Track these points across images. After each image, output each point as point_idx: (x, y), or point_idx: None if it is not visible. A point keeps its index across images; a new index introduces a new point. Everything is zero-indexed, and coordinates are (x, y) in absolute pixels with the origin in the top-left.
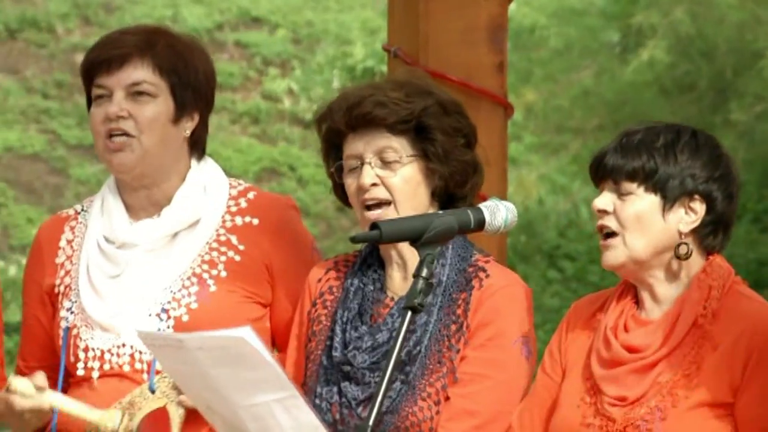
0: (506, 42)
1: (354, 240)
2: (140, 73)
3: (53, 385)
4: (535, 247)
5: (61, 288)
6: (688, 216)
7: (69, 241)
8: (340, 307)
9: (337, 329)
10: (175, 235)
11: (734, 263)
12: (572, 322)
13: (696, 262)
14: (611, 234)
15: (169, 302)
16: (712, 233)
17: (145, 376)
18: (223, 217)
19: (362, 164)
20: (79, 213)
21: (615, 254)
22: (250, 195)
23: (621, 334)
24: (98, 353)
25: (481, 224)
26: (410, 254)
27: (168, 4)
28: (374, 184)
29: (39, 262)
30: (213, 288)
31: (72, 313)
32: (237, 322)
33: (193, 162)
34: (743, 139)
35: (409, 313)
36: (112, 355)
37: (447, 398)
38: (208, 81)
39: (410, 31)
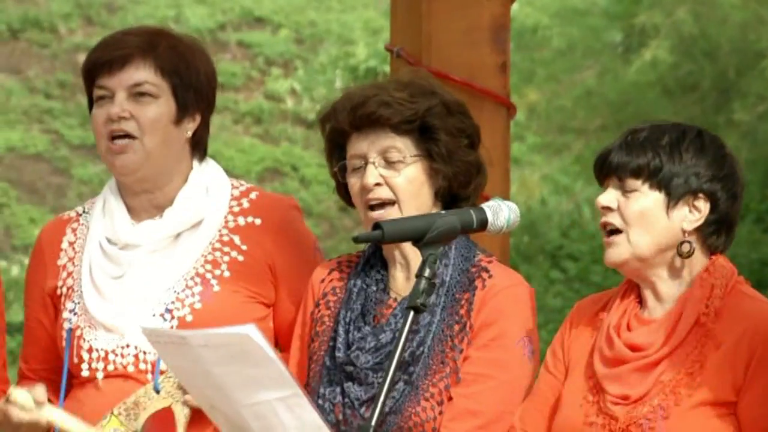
0: (509, 42)
1: (357, 240)
2: (142, 73)
3: (57, 387)
4: (538, 247)
5: (64, 290)
6: (692, 214)
7: (71, 243)
8: (343, 307)
9: (340, 330)
10: (178, 235)
11: (737, 263)
12: (575, 321)
13: (699, 261)
14: (615, 231)
15: (172, 302)
16: (715, 233)
17: (149, 376)
18: (225, 217)
19: (366, 164)
20: (80, 215)
21: (618, 251)
22: (253, 195)
23: (624, 333)
24: (102, 354)
25: (483, 224)
26: (413, 254)
27: (171, 4)
28: (378, 184)
29: (41, 265)
30: (216, 288)
31: (75, 314)
32: (241, 322)
33: (195, 163)
34: (746, 139)
35: (412, 314)
36: (116, 355)
37: (450, 398)
38: (209, 82)
39: (413, 31)
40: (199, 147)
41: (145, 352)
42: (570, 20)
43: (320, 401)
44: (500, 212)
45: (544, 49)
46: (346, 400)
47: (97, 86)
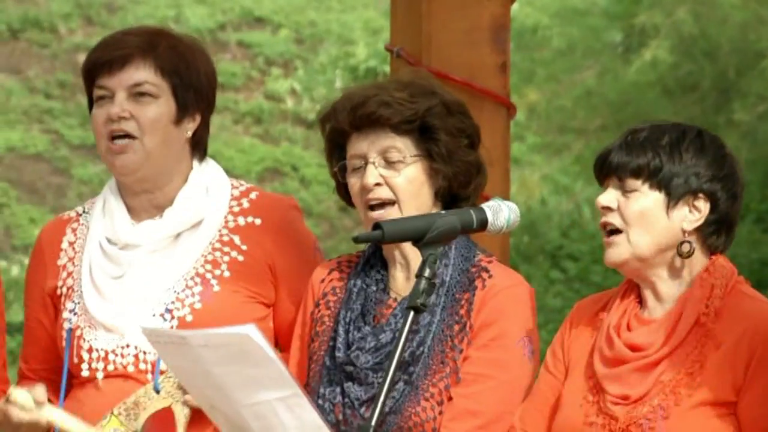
0: (509, 42)
1: (357, 240)
2: (142, 73)
3: (57, 387)
4: (538, 247)
5: (64, 289)
6: (692, 214)
7: (71, 243)
8: (343, 307)
9: (340, 330)
10: (178, 235)
11: (737, 263)
12: (575, 321)
13: (699, 261)
14: (615, 231)
15: (172, 302)
16: (715, 233)
17: (149, 376)
18: (225, 217)
19: (366, 164)
20: (80, 215)
21: (618, 251)
22: (253, 195)
23: (624, 333)
24: (102, 354)
25: (483, 224)
26: (413, 254)
27: (171, 4)
28: (378, 184)
29: (41, 265)
30: (217, 288)
31: (75, 314)
32: (241, 322)
33: (195, 163)
34: (746, 139)
35: (412, 314)
36: (117, 355)
37: (450, 398)
38: (209, 82)
39: (413, 31)
40: (199, 147)
41: (145, 352)
42: (570, 20)
43: (320, 401)
44: (500, 212)
45: (544, 49)
46: (346, 400)
47: (97, 86)
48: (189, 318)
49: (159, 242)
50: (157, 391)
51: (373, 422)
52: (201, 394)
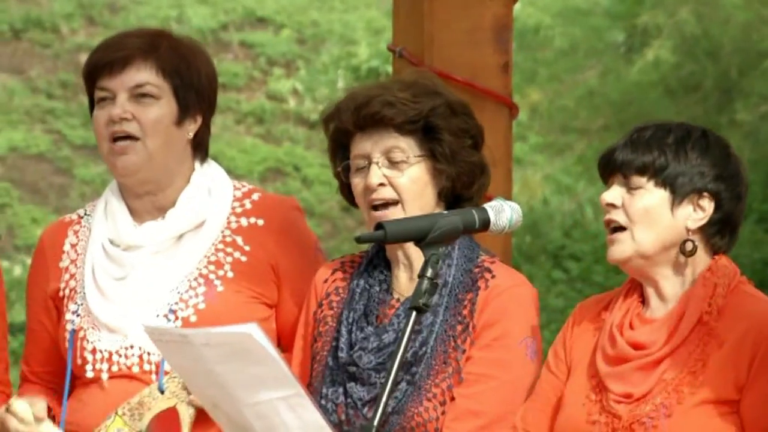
0: (511, 42)
1: (359, 240)
2: (143, 74)
3: (58, 388)
4: (540, 247)
5: (66, 291)
6: (696, 213)
7: (73, 245)
8: (346, 307)
9: (343, 330)
10: (180, 236)
11: (739, 263)
12: (577, 321)
13: (702, 260)
14: (619, 228)
15: (176, 303)
16: (718, 233)
17: (153, 377)
18: (228, 218)
19: (369, 164)
20: (82, 217)
21: (622, 248)
22: (255, 196)
23: (626, 332)
24: (106, 355)
25: (485, 224)
26: (416, 255)
27: (173, 5)
28: (381, 184)
29: (43, 267)
30: (220, 288)
31: (78, 315)
32: (244, 322)
33: (197, 164)
34: (748, 139)
35: (414, 314)
36: (121, 356)
37: (452, 398)
38: (210, 83)
39: (415, 31)
40: (200, 148)
41: (149, 353)
42: (572, 20)
43: (323, 401)
44: (502, 212)
45: (547, 49)
46: (349, 400)
47: (98, 88)
48: (193, 318)
49: (161, 243)
50: (162, 392)
51: (376, 422)
52: (203, 393)
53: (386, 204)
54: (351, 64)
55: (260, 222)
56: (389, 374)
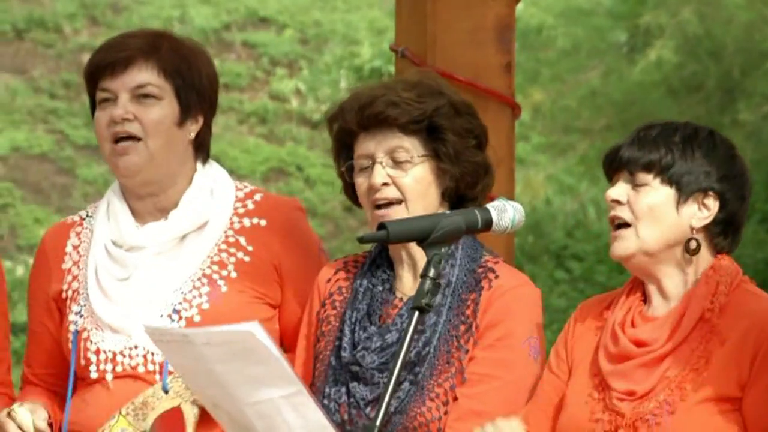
0: (514, 42)
1: (361, 240)
2: (145, 75)
3: (60, 390)
4: (543, 247)
5: (69, 293)
6: (701, 212)
7: (75, 247)
8: (349, 307)
9: (346, 329)
10: (183, 237)
11: (742, 263)
12: (579, 321)
13: (705, 260)
14: (623, 225)
15: (180, 303)
16: (722, 233)
17: (157, 377)
18: (230, 218)
19: (373, 164)
20: (84, 219)
21: (625, 244)
22: (257, 197)
23: (628, 329)
24: (110, 355)
25: (488, 224)
26: (420, 254)
27: (175, 5)
28: (385, 184)
29: (45, 269)
30: (224, 288)
31: (81, 316)
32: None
33: (199, 165)
34: (751, 139)
35: (417, 314)
36: (125, 356)
37: (455, 398)
38: (211, 84)
39: (418, 31)
40: (202, 149)
41: (153, 353)
42: (575, 20)
43: (325, 401)
44: (505, 212)
45: (549, 49)
46: (352, 400)
47: (99, 89)
48: (197, 318)
49: (164, 244)
50: (166, 391)
51: (378, 422)
52: (204, 392)
53: (390, 203)
54: (354, 64)
55: (263, 222)
56: (391, 374)
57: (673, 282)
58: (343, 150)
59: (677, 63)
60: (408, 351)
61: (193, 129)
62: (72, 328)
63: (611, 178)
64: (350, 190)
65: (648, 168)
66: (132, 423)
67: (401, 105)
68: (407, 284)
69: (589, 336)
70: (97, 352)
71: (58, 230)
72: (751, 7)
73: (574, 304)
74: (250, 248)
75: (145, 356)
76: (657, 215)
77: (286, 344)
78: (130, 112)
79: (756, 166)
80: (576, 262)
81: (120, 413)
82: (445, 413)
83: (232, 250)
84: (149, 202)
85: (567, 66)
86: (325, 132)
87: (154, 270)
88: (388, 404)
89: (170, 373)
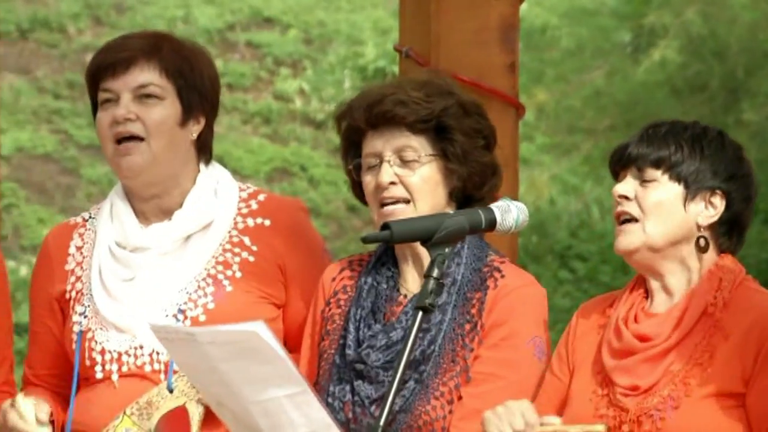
0: (518, 42)
1: (365, 240)
2: (147, 75)
3: (62, 392)
4: (547, 247)
5: (73, 294)
6: (708, 210)
7: (78, 248)
8: (354, 305)
9: (351, 327)
10: (188, 237)
11: (746, 263)
12: (581, 321)
13: (709, 259)
14: (629, 220)
15: (185, 303)
16: (726, 233)
17: (162, 376)
18: (234, 219)
19: (381, 162)
20: (86, 220)
21: (630, 239)
22: (261, 197)
23: (632, 325)
24: (115, 355)
25: (492, 224)
26: (425, 251)
27: (179, 5)
28: (393, 183)
29: (48, 270)
30: (229, 288)
31: (85, 317)
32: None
33: (202, 166)
34: (755, 139)
35: (420, 314)
36: (130, 356)
37: (460, 397)
38: (212, 85)
39: (422, 31)
40: (204, 150)
41: (158, 353)
42: (579, 20)
43: (330, 399)
44: (509, 212)
45: (553, 50)
46: (356, 398)
47: (101, 89)
48: (202, 318)
49: (169, 245)
50: (171, 391)
51: (382, 422)
52: (208, 391)
53: (396, 201)
54: (358, 64)
55: (267, 222)
56: (395, 373)
57: (676, 278)
58: (351, 148)
59: (681, 63)
60: (412, 351)
61: (195, 130)
62: (76, 328)
63: (617, 175)
64: (357, 188)
65: (657, 164)
66: (136, 422)
67: (410, 104)
68: (412, 281)
69: (591, 334)
70: (102, 352)
71: (61, 231)
72: (755, 7)
73: (577, 304)
74: (254, 248)
75: (150, 355)
76: (665, 211)
77: (290, 344)
78: (133, 112)
79: (760, 166)
80: (580, 262)
81: (124, 413)
82: (450, 412)
83: (237, 250)
84: (153, 203)
85: (571, 66)
86: (329, 132)
87: (158, 270)
88: (393, 403)
89: (175, 372)
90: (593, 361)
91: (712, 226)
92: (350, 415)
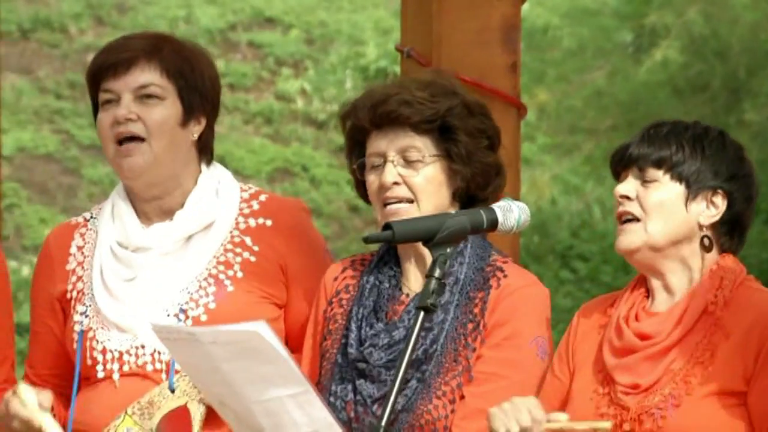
0: (519, 42)
1: (367, 240)
2: (148, 75)
3: (64, 391)
4: (548, 247)
5: (74, 293)
6: (709, 210)
7: (80, 248)
8: (356, 304)
9: (353, 326)
10: (189, 238)
11: (747, 263)
12: (582, 321)
13: (710, 259)
14: (631, 220)
15: (186, 303)
16: (728, 233)
17: (164, 376)
18: (236, 219)
19: (385, 162)
20: (88, 220)
21: (631, 238)
22: (262, 197)
23: (632, 323)
24: (117, 355)
25: (493, 224)
26: (428, 251)
27: (181, 5)
28: (396, 183)
29: (49, 270)
30: (231, 288)
31: (86, 316)
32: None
33: (203, 166)
34: (756, 140)
35: (422, 314)
36: (131, 356)
37: (462, 397)
38: (213, 86)
39: (423, 31)
40: (205, 150)
41: (159, 352)
42: (580, 20)
43: (332, 399)
44: (510, 212)
45: (555, 50)
46: (358, 397)
47: (102, 90)
48: (204, 318)
49: (170, 245)
50: (172, 390)
51: (384, 422)
52: (210, 390)
53: (400, 201)
54: (359, 64)
55: (269, 222)
56: (398, 372)
57: (677, 277)
58: (356, 147)
59: (683, 63)
60: (414, 350)
61: (196, 130)
62: (77, 328)
63: (618, 175)
64: (361, 187)
65: (658, 164)
66: (138, 422)
67: (414, 104)
68: (414, 281)
69: (592, 334)
70: (104, 351)
71: (62, 231)
72: (756, 7)
73: (579, 304)
74: (255, 248)
75: (152, 355)
76: (666, 211)
77: (292, 344)
78: (134, 113)
79: (761, 166)
80: (581, 263)
81: (126, 413)
82: (452, 411)
83: (238, 250)
84: (154, 204)
85: (572, 66)
86: (331, 132)
87: (160, 270)
88: (395, 402)
89: (177, 372)
90: (594, 360)
91: (713, 226)
92: (352, 414)
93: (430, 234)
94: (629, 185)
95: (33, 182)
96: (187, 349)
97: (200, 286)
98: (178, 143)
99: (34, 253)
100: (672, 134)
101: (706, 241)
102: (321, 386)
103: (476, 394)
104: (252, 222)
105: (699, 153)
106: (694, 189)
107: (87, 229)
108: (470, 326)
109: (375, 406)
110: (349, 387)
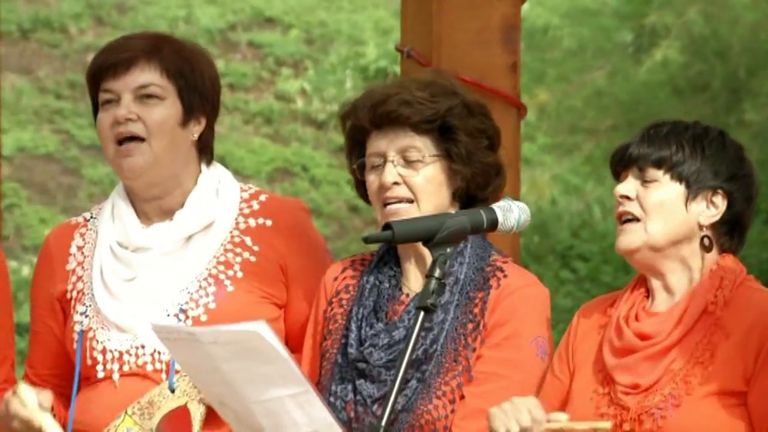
0: (519, 42)
1: (367, 240)
2: (148, 75)
3: (64, 390)
4: (548, 247)
5: (74, 293)
6: (709, 210)
7: (80, 248)
8: (356, 304)
9: (353, 326)
10: (189, 238)
11: (747, 263)
12: (582, 321)
13: (710, 258)
14: (631, 220)
15: (186, 302)
16: (728, 233)
17: (164, 376)
18: (236, 219)
19: (385, 162)
20: (88, 220)
21: (631, 238)
22: (262, 197)
23: (632, 323)
24: (117, 355)
25: (493, 224)
26: (428, 250)
27: (181, 5)
28: (396, 183)
29: (49, 270)
30: (231, 288)
31: (86, 316)
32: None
33: (203, 167)
34: (757, 140)
35: (422, 314)
36: (131, 356)
37: (462, 397)
38: (213, 86)
39: (423, 31)
40: (205, 150)
41: (159, 352)
42: (580, 20)
43: (332, 399)
44: (510, 212)
45: (555, 50)
46: (358, 397)
47: (102, 90)
48: (204, 318)
49: (170, 245)
50: (172, 390)
51: (384, 422)
52: (210, 390)
53: (400, 200)
54: (359, 64)
55: (269, 222)
56: (398, 372)
57: (677, 277)
58: (356, 147)
59: (683, 63)
60: (414, 350)
61: (195, 130)
62: (77, 328)
63: (618, 176)
64: (361, 187)
65: (658, 164)
66: (138, 422)
67: (414, 104)
68: (414, 280)
69: (592, 334)
70: (104, 351)
71: (62, 231)
72: (757, 7)
73: (579, 304)
74: (255, 248)
75: (152, 355)
76: (666, 211)
77: (292, 344)
78: (134, 113)
79: (762, 166)
80: (582, 263)
81: (126, 413)
82: (452, 411)
83: (238, 250)
84: (154, 204)
85: (573, 66)
86: (331, 132)
87: (160, 270)
88: (395, 402)
89: (177, 372)
90: (594, 360)
91: (713, 226)
92: (352, 414)
93: (430, 234)
94: (629, 185)
95: (33, 182)
96: (187, 349)
97: (200, 286)
98: (178, 143)
99: (34, 253)
100: (672, 134)
101: (706, 241)
102: (321, 386)
103: (476, 394)
104: (252, 222)
105: (699, 153)
106: (694, 189)
107: (87, 229)
108: (470, 326)
109: (375, 406)
110: (349, 387)
